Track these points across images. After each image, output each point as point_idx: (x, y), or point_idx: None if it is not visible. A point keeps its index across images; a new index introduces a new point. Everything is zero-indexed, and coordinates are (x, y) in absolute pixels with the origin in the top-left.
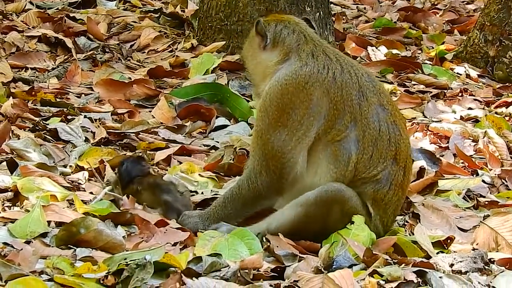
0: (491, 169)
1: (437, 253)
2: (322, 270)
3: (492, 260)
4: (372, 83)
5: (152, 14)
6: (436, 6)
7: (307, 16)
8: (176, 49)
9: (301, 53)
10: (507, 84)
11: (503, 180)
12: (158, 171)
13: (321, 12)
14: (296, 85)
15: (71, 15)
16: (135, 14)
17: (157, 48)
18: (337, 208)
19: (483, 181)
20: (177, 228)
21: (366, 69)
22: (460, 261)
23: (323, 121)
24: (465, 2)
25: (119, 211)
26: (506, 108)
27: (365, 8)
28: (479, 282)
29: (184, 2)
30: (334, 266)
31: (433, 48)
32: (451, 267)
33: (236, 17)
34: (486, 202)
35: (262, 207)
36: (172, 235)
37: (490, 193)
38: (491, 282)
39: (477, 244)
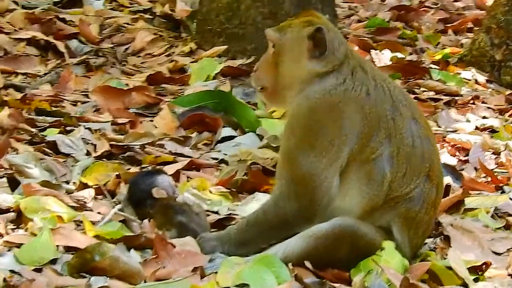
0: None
1: (474, 279)
2: None
3: None
4: (404, 96)
5: (142, 14)
6: (425, 4)
7: None
8: (173, 53)
9: (343, 69)
10: None
11: None
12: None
13: (328, 15)
14: (328, 104)
15: (61, 16)
16: (127, 15)
17: (153, 52)
18: (349, 244)
19: (510, 198)
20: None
21: (395, 82)
22: None
23: (356, 139)
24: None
25: (133, 234)
26: None
27: (356, 7)
28: None
29: (173, 1)
30: None
31: (428, 48)
32: None
33: (238, 20)
34: None
35: (288, 234)
36: (191, 259)
37: None
38: None
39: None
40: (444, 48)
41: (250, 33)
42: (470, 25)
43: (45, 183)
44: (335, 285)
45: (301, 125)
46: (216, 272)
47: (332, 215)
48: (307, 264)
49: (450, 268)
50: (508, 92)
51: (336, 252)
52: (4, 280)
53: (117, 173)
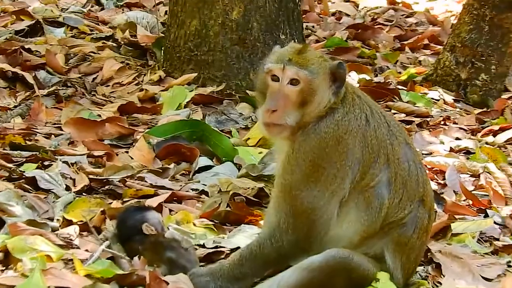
0: (499, 208)
1: None
2: None
3: None
4: (393, 120)
5: (107, 42)
6: (378, 21)
7: (284, 43)
8: (142, 81)
9: (345, 102)
10: (484, 109)
11: None
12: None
13: (296, 40)
14: (336, 137)
15: (26, 46)
16: (91, 43)
17: (122, 81)
18: (344, 277)
19: (495, 222)
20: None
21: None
22: None
23: (358, 167)
24: (404, 15)
25: (124, 272)
26: (494, 136)
27: (313, 27)
28: None
29: (133, 26)
30: None
31: (388, 67)
32: None
33: (207, 46)
34: (502, 246)
35: (283, 266)
36: None
37: (503, 235)
38: None
39: None
40: (406, 67)
41: (220, 60)
42: (426, 41)
43: (30, 222)
44: None
45: (308, 160)
46: None
47: (329, 242)
48: None
49: None
50: (477, 111)
51: (330, 284)
52: None
53: (101, 208)
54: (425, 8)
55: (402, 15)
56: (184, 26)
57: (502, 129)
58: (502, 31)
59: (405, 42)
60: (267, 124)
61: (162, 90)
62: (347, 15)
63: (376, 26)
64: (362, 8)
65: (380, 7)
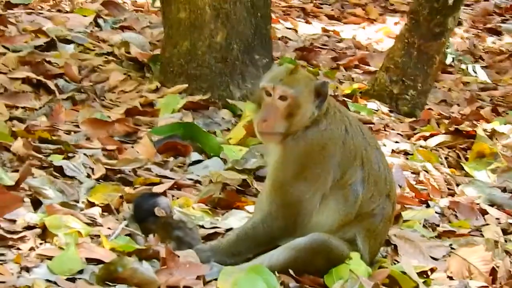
0: (437, 200)
1: (423, 282)
2: None
3: None
4: (367, 130)
5: (112, 58)
6: (316, 45)
7: (258, 62)
8: (142, 90)
9: (328, 116)
10: (413, 118)
11: (452, 211)
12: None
13: (267, 59)
14: (320, 145)
15: (47, 59)
16: (98, 58)
17: (125, 89)
18: (324, 256)
19: (436, 212)
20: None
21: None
22: None
23: (338, 168)
24: (335, 41)
25: (141, 247)
26: (425, 141)
27: None
28: None
29: (127, 45)
30: None
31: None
32: None
33: (196, 63)
34: (443, 231)
35: (271, 246)
36: (194, 268)
37: (443, 222)
38: None
39: (451, 272)
40: (342, 82)
41: (205, 74)
42: (356, 62)
43: (63, 204)
44: None
45: (298, 161)
46: (215, 279)
47: (312, 228)
48: (291, 272)
49: (404, 273)
50: (408, 120)
51: (312, 261)
52: None
53: (119, 194)
54: (352, 35)
55: (334, 40)
56: (177, 46)
57: (432, 135)
58: (428, 56)
59: (340, 63)
60: (260, 132)
61: (158, 98)
62: (291, 39)
63: (316, 49)
64: (302, 35)
65: (316, 34)
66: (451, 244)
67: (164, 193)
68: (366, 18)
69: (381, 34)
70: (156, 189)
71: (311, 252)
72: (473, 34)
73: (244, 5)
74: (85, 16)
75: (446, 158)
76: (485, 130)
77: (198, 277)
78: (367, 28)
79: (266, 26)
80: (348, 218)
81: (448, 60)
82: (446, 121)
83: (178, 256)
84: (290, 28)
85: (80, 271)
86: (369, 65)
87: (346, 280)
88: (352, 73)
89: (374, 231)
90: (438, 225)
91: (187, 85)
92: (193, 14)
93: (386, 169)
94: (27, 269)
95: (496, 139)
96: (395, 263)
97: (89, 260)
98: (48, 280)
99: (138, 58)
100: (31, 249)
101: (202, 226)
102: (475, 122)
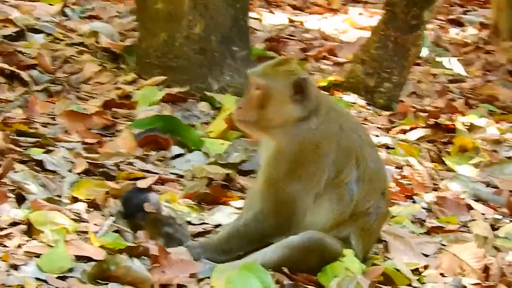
0: (422, 195)
1: (417, 279)
2: None
3: (464, 286)
4: (361, 127)
5: (77, 47)
6: (283, 36)
7: (236, 54)
8: (118, 81)
9: (319, 113)
10: (390, 111)
11: (439, 206)
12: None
13: (245, 51)
14: (313, 143)
15: (18, 49)
16: (69, 48)
17: (101, 81)
18: (318, 254)
19: (422, 207)
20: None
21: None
22: None
23: (333, 167)
24: (302, 31)
25: (133, 244)
26: (404, 134)
27: None
28: None
29: (96, 34)
30: None
31: None
32: None
33: (173, 54)
34: (431, 227)
35: (263, 244)
36: (187, 266)
37: (430, 218)
38: None
39: (443, 269)
40: (312, 74)
41: (183, 66)
42: (325, 54)
43: (48, 199)
44: (309, 287)
45: (290, 159)
46: (208, 277)
47: (306, 227)
48: (285, 270)
49: (397, 270)
50: (385, 113)
51: (306, 260)
52: None
53: (103, 189)
54: (318, 26)
55: (300, 31)
56: (154, 38)
57: (411, 129)
58: (404, 49)
59: (309, 54)
60: (234, 119)
61: (135, 90)
62: (258, 30)
63: (283, 40)
64: (267, 25)
65: (282, 24)
66: (440, 240)
67: (149, 188)
68: (329, 9)
69: (346, 25)
70: (141, 184)
71: (305, 250)
72: (437, 25)
73: None
74: (51, 5)
75: (427, 152)
76: (463, 124)
77: (191, 275)
78: (330, 19)
79: (244, 18)
80: (343, 217)
81: (424, 53)
82: (423, 114)
83: (170, 254)
84: (255, 18)
85: (70, 269)
86: (337, 56)
87: (343, 278)
88: (322, 65)
89: (369, 230)
90: (425, 221)
91: (164, 77)
92: (171, 5)
93: (380, 167)
94: (16, 267)
95: (475, 132)
96: (386, 260)
97: (78, 258)
98: (38, 279)
99: (111, 48)
100: (18, 246)
101: (190, 222)
102: (451, 116)
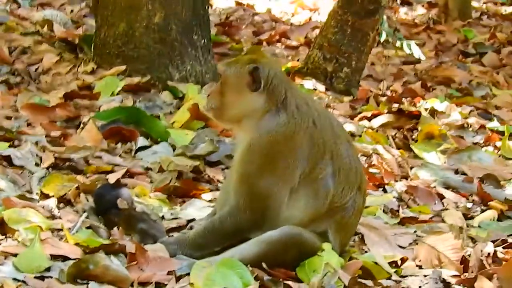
0: (392, 184)
1: (394, 272)
2: None
3: (444, 279)
4: (337, 122)
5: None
6: (232, 19)
7: (196, 43)
8: (77, 72)
9: (288, 106)
10: (351, 97)
11: (410, 195)
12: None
13: (205, 40)
14: (285, 136)
15: None
16: (26, 38)
17: (60, 71)
18: (296, 249)
19: (394, 197)
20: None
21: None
22: (426, 283)
23: (307, 163)
24: (251, 15)
25: (109, 241)
26: (368, 121)
27: None
28: None
29: (50, 23)
30: None
31: None
32: None
33: (133, 44)
34: (405, 217)
35: (239, 239)
36: (164, 263)
37: (401, 207)
38: None
39: (419, 261)
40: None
41: (143, 56)
42: (277, 37)
43: (20, 196)
44: (288, 282)
45: (262, 154)
46: (187, 274)
47: (281, 223)
48: (264, 265)
49: (376, 263)
50: (346, 99)
51: (284, 255)
52: None
53: (73, 183)
54: (266, 8)
55: (249, 14)
56: (114, 28)
57: (374, 115)
58: (362, 34)
59: (261, 38)
60: (203, 106)
61: (96, 80)
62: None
63: (235, 24)
64: (216, 8)
65: (230, 7)
66: (415, 231)
67: (119, 183)
68: None
69: (295, 7)
70: (110, 178)
71: (283, 245)
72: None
73: None
74: None
75: (392, 139)
76: (426, 110)
77: (169, 272)
78: (279, 1)
79: (204, 6)
80: (320, 212)
81: (383, 37)
82: (383, 99)
83: (147, 251)
84: None
85: (48, 269)
86: (290, 39)
87: (324, 273)
88: (276, 49)
89: (346, 224)
90: (397, 211)
91: (124, 66)
92: None
93: (356, 162)
94: None
95: (438, 118)
96: (362, 253)
97: (54, 257)
98: (16, 279)
99: (68, 38)
100: None
101: (163, 217)
102: (411, 100)
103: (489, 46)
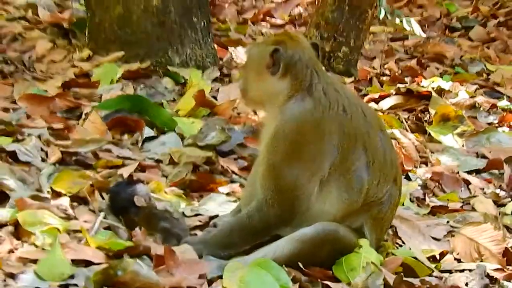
0: (415, 171)
1: (435, 267)
2: None
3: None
4: (370, 109)
5: (19, 20)
6: None
7: (196, 25)
8: (73, 58)
9: (314, 92)
10: (352, 78)
11: (436, 183)
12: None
13: (205, 22)
14: (312, 122)
15: None
16: (15, 24)
17: (55, 59)
18: (332, 246)
19: (419, 185)
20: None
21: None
22: (472, 279)
23: (337, 153)
24: None
25: (131, 243)
26: (376, 104)
27: None
28: None
29: (34, 7)
30: None
31: (241, 39)
32: (467, 287)
33: (130, 29)
34: (434, 206)
35: (267, 236)
36: (195, 266)
37: (427, 196)
38: None
39: (457, 254)
40: (253, 38)
41: (142, 40)
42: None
43: (34, 197)
44: (326, 282)
45: (288, 141)
46: (219, 277)
47: (312, 218)
48: (300, 265)
49: (416, 259)
50: (349, 80)
51: (319, 253)
52: None
53: (86, 180)
54: None
55: None
56: (109, 11)
57: (381, 97)
58: (360, 11)
59: (245, 17)
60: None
61: (94, 67)
62: None
63: (218, 3)
64: None
65: None
66: (448, 221)
67: (131, 178)
68: None
69: None
70: (123, 172)
71: (318, 242)
72: None
73: None
74: None
75: (405, 122)
76: (433, 89)
77: (200, 276)
78: None
79: None
80: (354, 206)
81: (381, 14)
82: (384, 79)
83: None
84: None
85: (71, 276)
86: (274, 17)
87: (368, 273)
88: (262, 28)
89: (382, 219)
90: (424, 199)
91: (122, 52)
92: None
93: (392, 153)
94: (13, 276)
95: (446, 98)
96: (397, 247)
97: (76, 262)
98: None
99: (61, 23)
100: (10, 251)
101: (183, 214)
102: (413, 79)
103: (474, 20)
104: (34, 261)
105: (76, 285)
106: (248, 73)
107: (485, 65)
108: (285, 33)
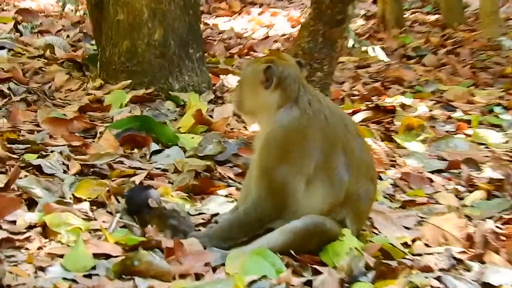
0: (386, 172)
1: (408, 251)
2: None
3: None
4: (349, 119)
5: (39, 58)
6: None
7: (192, 56)
8: (87, 87)
9: (301, 102)
10: (331, 99)
11: (404, 181)
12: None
13: (200, 53)
14: (297, 129)
15: None
16: (36, 61)
17: (71, 88)
18: (319, 236)
19: (390, 184)
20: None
21: (340, 108)
22: (441, 260)
23: (320, 154)
24: (217, 33)
25: (145, 239)
26: (352, 116)
27: None
28: (474, 280)
29: (51, 47)
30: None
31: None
32: (437, 266)
33: (136, 60)
34: (404, 201)
35: (262, 229)
36: (200, 256)
37: (398, 193)
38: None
39: (426, 240)
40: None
41: (146, 69)
42: (246, 50)
43: (58, 202)
44: (315, 266)
45: (277, 146)
46: (222, 265)
47: (301, 212)
48: (292, 253)
49: (392, 244)
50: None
51: (309, 242)
52: None
53: (103, 187)
54: (230, 26)
55: (216, 32)
56: (118, 46)
57: (354, 112)
58: (331, 41)
59: (232, 52)
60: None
61: (105, 94)
62: None
63: (208, 41)
64: None
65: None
66: (417, 213)
67: (143, 184)
68: (232, 11)
69: (253, 24)
70: (136, 180)
71: (307, 233)
72: None
73: (177, 5)
74: (5, 23)
75: (376, 132)
76: (397, 105)
77: (205, 264)
78: (237, 20)
79: (197, 23)
80: (337, 201)
81: (350, 44)
82: (355, 98)
83: (184, 245)
84: None
85: (93, 267)
86: (256, 52)
87: (352, 257)
88: (247, 60)
89: (361, 212)
90: (395, 196)
91: (129, 81)
92: (131, 15)
93: (367, 156)
94: (42, 269)
95: (408, 112)
96: (374, 235)
97: (97, 255)
98: (66, 279)
99: (76, 59)
100: (39, 248)
101: (189, 213)
102: (378, 98)
103: (426, 49)
104: (61, 256)
105: (97, 274)
106: (243, 88)
107: (438, 87)
108: (274, 53)
